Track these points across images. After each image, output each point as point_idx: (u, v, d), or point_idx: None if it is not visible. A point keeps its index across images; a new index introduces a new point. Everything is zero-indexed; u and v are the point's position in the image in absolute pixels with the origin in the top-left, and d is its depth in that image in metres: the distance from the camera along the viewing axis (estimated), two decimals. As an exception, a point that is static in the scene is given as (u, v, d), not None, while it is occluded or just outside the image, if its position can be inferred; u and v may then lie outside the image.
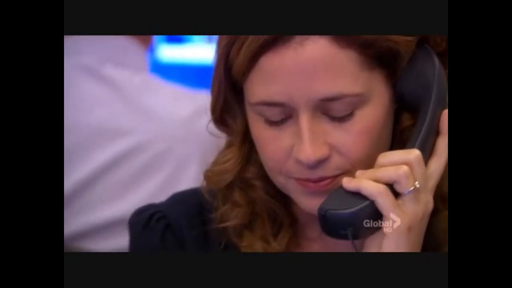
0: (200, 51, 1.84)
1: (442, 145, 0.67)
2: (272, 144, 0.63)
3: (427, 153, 0.65)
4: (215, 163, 0.70)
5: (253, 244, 0.68)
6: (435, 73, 0.67)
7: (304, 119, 0.61)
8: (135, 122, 1.13)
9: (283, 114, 0.62)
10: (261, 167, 0.67)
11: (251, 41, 0.61)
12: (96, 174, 1.12)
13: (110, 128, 1.12)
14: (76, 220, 1.11)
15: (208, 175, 0.70)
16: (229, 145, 0.70)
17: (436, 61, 0.68)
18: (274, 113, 0.62)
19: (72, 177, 1.10)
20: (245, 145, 0.68)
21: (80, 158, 1.11)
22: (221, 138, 0.73)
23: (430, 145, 0.65)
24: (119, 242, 1.10)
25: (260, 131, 0.64)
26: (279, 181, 0.66)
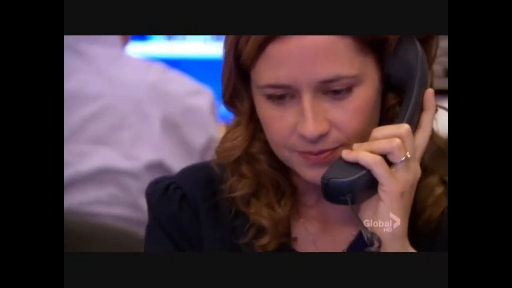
0: (160, 47, 2.11)
1: (426, 119, 0.74)
2: (278, 122, 0.71)
3: (414, 127, 0.72)
4: (224, 140, 0.78)
5: (259, 210, 0.75)
6: (418, 57, 0.74)
7: (307, 99, 0.69)
8: (104, 88, 1.30)
9: (288, 95, 0.71)
10: (265, 142, 0.75)
11: (260, 38, 0.69)
12: (71, 133, 1.28)
13: (82, 94, 1.30)
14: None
15: (219, 151, 0.78)
16: (237, 125, 0.78)
17: (419, 46, 0.75)
18: (280, 94, 0.71)
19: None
20: (251, 124, 0.76)
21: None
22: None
23: (416, 120, 0.73)
24: (95, 193, 1.26)
25: (267, 111, 0.72)
26: (284, 154, 0.74)
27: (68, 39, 1.34)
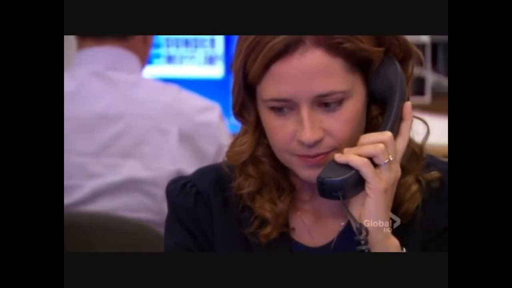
0: (159, 70, 2.46)
1: (405, 128, 0.85)
2: (280, 130, 0.83)
3: (395, 135, 0.84)
4: (233, 145, 0.90)
5: (263, 205, 0.87)
6: (398, 76, 0.85)
7: (305, 111, 0.81)
8: (127, 108, 1.52)
9: (288, 107, 0.83)
10: (268, 147, 0.87)
11: (264, 54, 0.80)
12: (102, 148, 1.50)
13: (110, 114, 1.51)
14: (88, 183, 1.47)
15: (229, 155, 0.90)
16: (244, 132, 0.90)
17: (398, 66, 0.86)
18: (281, 106, 0.83)
19: (82, 149, 1.49)
20: (256, 132, 0.87)
21: (87, 136, 1.49)
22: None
23: (396, 128, 0.84)
24: (123, 200, 1.47)
25: (270, 121, 0.84)
26: (284, 157, 0.85)
27: (97, 68, 1.56)
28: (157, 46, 2.40)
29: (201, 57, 2.44)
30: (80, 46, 1.56)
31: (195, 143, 1.53)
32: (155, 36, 1.87)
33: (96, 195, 1.47)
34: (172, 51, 2.47)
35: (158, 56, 2.46)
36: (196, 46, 2.45)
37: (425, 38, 2.23)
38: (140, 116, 1.51)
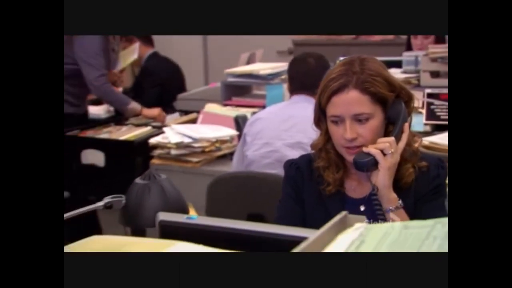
0: None
1: (404, 137, 1.47)
2: (336, 133, 1.46)
3: (397, 140, 1.46)
4: (315, 141, 1.55)
5: (328, 175, 1.51)
6: (402, 110, 1.48)
7: (348, 123, 1.44)
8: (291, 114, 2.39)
9: (340, 120, 1.46)
10: (331, 143, 1.50)
11: (328, 92, 1.44)
12: (271, 138, 2.36)
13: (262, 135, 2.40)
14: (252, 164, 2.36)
15: (312, 145, 1.57)
16: (320, 135, 1.54)
17: (403, 105, 1.49)
18: (337, 120, 1.46)
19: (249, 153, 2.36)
20: (326, 134, 1.51)
21: (255, 147, 2.35)
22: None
23: (399, 136, 1.47)
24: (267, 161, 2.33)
25: (332, 128, 1.48)
26: (339, 148, 1.49)
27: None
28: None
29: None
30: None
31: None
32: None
33: (260, 161, 2.34)
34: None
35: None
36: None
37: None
38: (303, 117, 2.21)
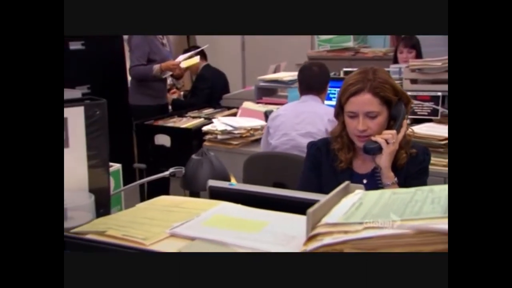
0: None
1: (403, 130, 1.88)
2: (351, 124, 1.89)
3: (398, 132, 1.88)
4: (334, 129, 1.99)
5: (341, 154, 1.93)
6: (402, 109, 1.90)
7: (361, 118, 1.87)
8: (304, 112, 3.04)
9: (355, 116, 1.89)
10: (345, 130, 1.93)
11: (347, 94, 1.88)
12: (289, 129, 3.01)
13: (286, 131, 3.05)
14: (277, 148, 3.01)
15: (331, 132, 2.02)
16: (338, 125, 1.97)
17: (403, 106, 1.91)
18: (352, 116, 1.90)
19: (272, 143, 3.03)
20: (342, 124, 1.93)
21: (276, 138, 3.02)
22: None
23: (399, 129, 1.88)
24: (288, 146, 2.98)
25: (347, 121, 1.90)
26: (352, 136, 1.91)
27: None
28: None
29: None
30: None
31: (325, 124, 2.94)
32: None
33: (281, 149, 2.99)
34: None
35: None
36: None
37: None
38: (314, 113, 2.97)
